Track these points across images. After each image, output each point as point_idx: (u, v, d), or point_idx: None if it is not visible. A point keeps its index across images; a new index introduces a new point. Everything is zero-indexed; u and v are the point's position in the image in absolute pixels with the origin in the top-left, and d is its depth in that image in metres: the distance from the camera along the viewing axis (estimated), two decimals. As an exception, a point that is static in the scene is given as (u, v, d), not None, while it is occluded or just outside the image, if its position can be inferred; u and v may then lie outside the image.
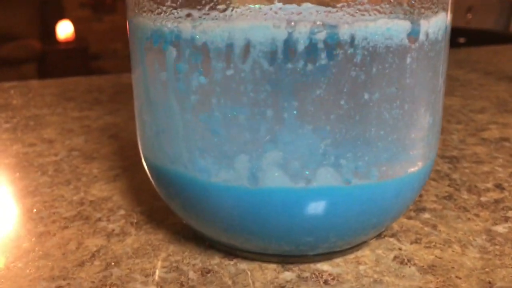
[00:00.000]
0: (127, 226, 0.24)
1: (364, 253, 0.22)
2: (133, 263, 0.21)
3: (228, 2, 0.17)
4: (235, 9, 0.17)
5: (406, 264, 0.21)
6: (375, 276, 0.20)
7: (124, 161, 0.32)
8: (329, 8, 0.17)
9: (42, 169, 0.31)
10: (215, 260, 0.21)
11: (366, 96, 0.18)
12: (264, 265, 0.21)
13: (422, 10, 0.19)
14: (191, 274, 0.20)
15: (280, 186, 0.18)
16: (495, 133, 0.39)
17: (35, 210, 0.26)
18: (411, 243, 0.22)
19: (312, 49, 0.17)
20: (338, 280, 0.20)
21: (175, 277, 0.20)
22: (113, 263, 0.21)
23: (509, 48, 0.86)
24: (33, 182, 0.29)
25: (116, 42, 2.74)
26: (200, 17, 0.18)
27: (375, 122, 0.18)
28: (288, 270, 0.20)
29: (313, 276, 0.20)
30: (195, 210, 0.20)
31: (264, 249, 0.20)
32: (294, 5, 0.17)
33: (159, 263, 0.21)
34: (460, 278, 0.20)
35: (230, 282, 0.20)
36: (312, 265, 0.21)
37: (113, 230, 0.24)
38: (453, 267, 0.21)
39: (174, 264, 0.21)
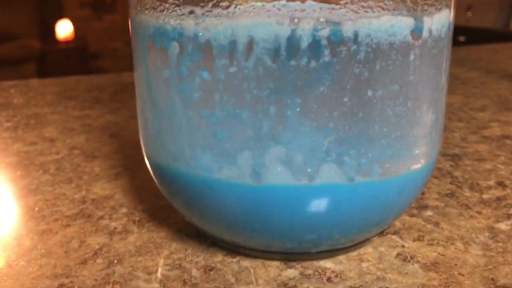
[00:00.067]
0: (129, 224, 0.24)
1: (367, 250, 0.22)
2: (136, 261, 0.21)
3: None
4: (238, 6, 0.17)
5: (409, 261, 0.21)
6: (378, 273, 0.20)
7: (126, 159, 0.32)
8: (333, 5, 0.17)
9: (44, 167, 0.31)
10: (218, 258, 0.21)
11: (369, 93, 0.18)
12: (267, 262, 0.21)
13: (426, 7, 0.18)
14: (194, 272, 0.20)
15: (283, 183, 0.18)
16: (496, 131, 0.39)
17: (37, 208, 0.26)
18: (414, 241, 0.22)
19: (315, 46, 0.17)
20: (341, 277, 0.20)
21: (178, 275, 0.20)
22: (115, 261, 0.21)
23: (510, 47, 0.86)
24: (35, 180, 0.29)
25: (116, 41, 2.73)
26: (203, 14, 0.17)
27: (378, 119, 0.18)
28: (291, 268, 0.20)
29: (316, 273, 0.20)
30: (198, 208, 0.20)
31: (267, 247, 0.20)
32: (297, 2, 0.17)
33: (162, 261, 0.21)
34: (463, 275, 0.20)
35: (233, 280, 0.20)
36: (315, 263, 0.21)
37: (115, 228, 0.23)
38: (456, 264, 0.21)
39: (177, 262, 0.21)
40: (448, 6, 0.20)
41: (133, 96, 0.23)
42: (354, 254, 0.21)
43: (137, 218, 0.24)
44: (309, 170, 0.18)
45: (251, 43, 0.17)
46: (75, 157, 0.33)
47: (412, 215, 0.25)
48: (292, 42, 0.17)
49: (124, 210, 0.25)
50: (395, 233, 0.23)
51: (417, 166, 0.20)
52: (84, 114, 0.43)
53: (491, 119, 0.42)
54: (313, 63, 0.17)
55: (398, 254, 0.21)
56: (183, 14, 0.18)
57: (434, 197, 0.27)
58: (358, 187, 0.18)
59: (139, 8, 0.20)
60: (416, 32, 0.18)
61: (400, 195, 0.20)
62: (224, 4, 0.17)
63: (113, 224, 0.24)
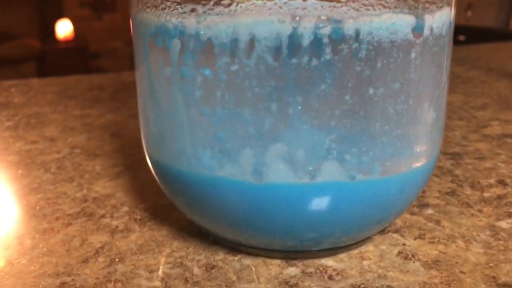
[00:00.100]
0: (131, 223, 0.24)
1: (368, 248, 0.22)
2: (138, 259, 0.21)
3: None
4: (239, 4, 0.17)
5: (410, 259, 0.21)
6: (380, 271, 0.20)
7: (127, 158, 0.32)
8: (334, 3, 0.17)
9: (45, 166, 0.31)
10: (220, 256, 0.21)
11: (370, 91, 0.18)
12: (268, 260, 0.21)
13: (427, 5, 0.19)
14: (196, 270, 0.20)
15: (284, 181, 0.18)
16: (497, 130, 0.39)
17: (38, 207, 0.26)
18: (415, 239, 0.23)
19: (316, 44, 0.17)
20: (342, 275, 0.20)
21: (179, 273, 0.20)
22: (117, 259, 0.21)
23: (510, 46, 0.86)
24: (36, 179, 0.29)
25: (116, 41, 2.73)
26: (204, 12, 0.17)
27: (380, 117, 0.18)
28: (292, 266, 0.20)
29: (318, 271, 0.20)
30: (199, 206, 0.20)
31: (268, 245, 0.20)
32: (299, 0, 0.17)
33: (164, 259, 0.21)
34: (464, 273, 0.20)
35: (234, 278, 0.20)
36: (316, 261, 0.21)
37: (117, 226, 0.24)
38: (457, 262, 0.21)
39: (179, 260, 0.21)
40: (449, 4, 0.20)
41: (133, 95, 0.23)
42: (355, 252, 0.21)
43: (139, 217, 0.24)
44: (311, 168, 0.18)
45: (252, 41, 0.17)
46: (76, 156, 0.33)
47: (413, 213, 0.25)
48: (294, 40, 0.17)
49: (126, 208, 0.25)
50: (396, 231, 0.23)
51: (418, 164, 0.20)
52: (85, 113, 0.43)
53: (491, 117, 0.42)
54: (315, 61, 0.17)
55: (399, 252, 0.21)
56: (184, 12, 0.18)
57: (435, 195, 0.27)
58: (360, 185, 0.18)
59: (140, 7, 0.20)
60: (417, 30, 0.18)
61: (402, 193, 0.20)
62: (226, 2, 0.17)
63: (114, 222, 0.24)
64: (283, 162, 0.18)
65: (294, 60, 0.17)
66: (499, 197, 0.27)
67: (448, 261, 0.21)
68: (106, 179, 0.29)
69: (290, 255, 0.21)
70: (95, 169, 0.31)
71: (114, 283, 0.19)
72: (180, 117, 0.19)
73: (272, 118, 0.18)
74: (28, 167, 0.31)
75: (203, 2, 0.18)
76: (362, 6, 0.17)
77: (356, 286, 0.19)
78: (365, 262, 0.21)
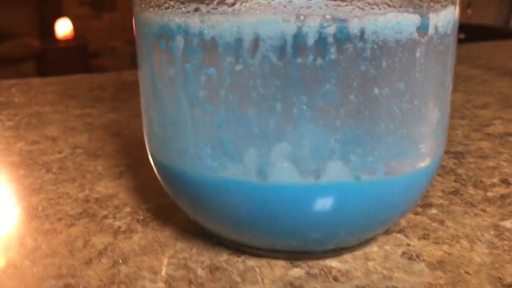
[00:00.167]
0: (133, 223, 0.24)
1: (373, 249, 0.22)
2: (141, 261, 0.21)
3: None
4: (243, 4, 0.17)
5: (415, 260, 0.21)
6: (385, 272, 0.20)
7: (128, 158, 0.32)
8: (339, 2, 0.17)
9: (47, 166, 0.31)
10: (223, 257, 0.21)
11: (375, 90, 0.17)
12: (273, 261, 0.21)
13: (431, 4, 0.18)
14: (200, 271, 0.20)
15: (289, 181, 0.18)
16: (499, 128, 0.39)
17: (40, 208, 0.26)
18: (419, 239, 0.22)
19: (321, 43, 0.17)
20: (347, 276, 0.20)
21: (183, 275, 0.20)
22: (120, 261, 0.21)
23: (511, 44, 0.86)
24: (38, 179, 0.29)
25: (115, 40, 2.73)
26: (208, 11, 0.17)
27: (385, 117, 0.18)
28: (296, 267, 0.20)
29: (322, 272, 0.20)
30: (203, 207, 0.20)
31: (272, 245, 0.20)
32: (303, 1, 0.17)
33: (167, 260, 0.21)
34: (469, 274, 0.20)
35: (239, 279, 0.19)
36: (320, 262, 0.21)
37: (120, 227, 0.23)
38: (462, 263, 0.20)
39: (182, 261, 0.21)
40: (453, 3, 0.20)
41: (134, 94, 0.22)
42: (359, 253, 0.21)
43: (141, 217, 0.24)
44: (316, 168, 0.18)
45: (257, 41, 0.17)
46: (78, 156, 0.33)
47: (416, 213, 0.25)
48: (298, 39, 0.17)
49: (128, 209, 0.25)
50: (400, 231, 0.23)
51: (423, 164, 0.20)
52: (86, 113, 0.43)
53: (494, 116, 0.42)
54: (319, 61, 0.17)
55: (403, 253, 0.21)
56: (188, 12, 0.18)
57: (438, 195, 0.27)
58: (365, 186, 0.18)
59: (143, 6, 0.19)
60: (422, 29, 0.18)
61: (406, 193, 0.20)
62: (230, 1, 0.17)
63: (117, 223, 0.24)
64: (288, 162, 0.18)
65: (298, 60, 0.17)
66: (503, 197, 0.27)
67: (453, 262, 0.21)
68: (108, 179, 0.29)
69: (294, 256, 0.21)
70: (97, 169, 0.30)
71: (118, 285, 0.19)
72: (183, 117, 0.19)
73: (276, 118, 0.17)
74: (29, 168, 0.31)
75: (207, 2, 0.17)
76: (367, 5, 0.17)
77: None
78: (370, 263, 0.21)
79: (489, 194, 0.27)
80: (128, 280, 0.19)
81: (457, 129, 0.39)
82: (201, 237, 0.22)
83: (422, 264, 0.20)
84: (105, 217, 0.24)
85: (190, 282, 0.19)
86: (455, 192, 0.27)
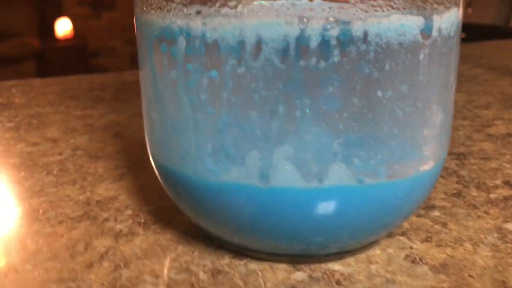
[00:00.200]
0: (135, 226, 0.24)
1: (375, 252, 0.21)
2: (143, 264, 0.21)
3: None
4: (246, 6, 0.17)
5: (418, 263, 0.21)
6: (388, 275, 0.20)
7: (129, 159, 0.32)
8: (342, 4, 0.17)
9: (47, 168, 0.31)
10: (225, 260, 0.21)
11: (379, 93, 0.17)
12: (275, 265, 0.20)
13: (435, 6, 0.18)
14: (202, 275, 0.20)
15: (292, 185, 0.18)
16: (501, 129, 0.39)
17: (41, 210, 0.25)
18: (422, 242, 0.22)
19: (324, 46, 0.17)
20: (350, 280, 0.20)
21: (185, 278, 0.20)
22: (122, 264, 0.21)
23: (512, 43, 0.86)
24: (39, 182, 0.29)
25: (115, 39, 2.73)
26: (210, 14, 0.17)
27: (388, 120, 0.18)
28: (299, 270, 0.20)
29: (325, 276, 0.20)
30: (204, 210, 0.20)
31: (275, 249, 0.20)
32: (306, 1, 0.17)
33: (169, 264, 0.21)
34: (473, 277, 0.20)
35: (241, 283, 0.19)
36: (323, 265, 0.20)
37: (121, 230, 0.23)
38: (465, 266, 0.20)
39: (184, 265, 0.21)
40: (457, 4, 0.19)
41: (134, 94, 0.22)
42: (362, 256, 0.21)
43: (143, 220, 0.24)
44: (318, 171, 0.18)
45: (259, 43, 0.17)
46: (79, 157, 0.33)
47: (419, 216, 0.25)
48: (301, 42, 0.17)
49: (129, 211, 0.25)
50: (403, 234, 0.23)
51: (426, 167, 0.20)
52: (86, 114, 0.43)
53: (495, 116, 0.42)
54: (322, 63, 0.17)
55: (406, 256, 0.21)
56: (190, 14, 0.18)
57: (441, 197, 0.27)
58: (368, 189, 0.18)
59: (144, 8, 0.19)
60: (426, 31, 0.18)
61: (410, 196, 0.20)
62: (232, 3, 0.17)
63: (118, 226, 0.24)
64: (291, 165, 0.18)
65: (301, 62, 0.17)
66: (506, 199, 0.26)
67: (456, 265, 0.20)
68: (109, 181, 0.29)
69: (296, 259, 0.21)
70: (98, 171, 0.30)
71: (119, 288, 0.19)
72: (185, 120, 0.19)
73: (279, 121, 0.17)
74: (30, 169, 0.31)
75: (209, 4, 0.17)
76: (370, 7, 0.17)
77: (364, 291, 0.19)
78: (373, 266, 0.20)
79: (492, 196, 0.27)
80: (130, 284, 0.19)
81: (459, 130, 0.38)
82: (203, 240, 0.22)
83: (425, 267, 0.20)
84: (106, 220, 0.24)
85: (192, 286, 0.19)
86: (458, 194, 0.27)
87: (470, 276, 0.20)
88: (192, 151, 0.19)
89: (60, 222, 0.24)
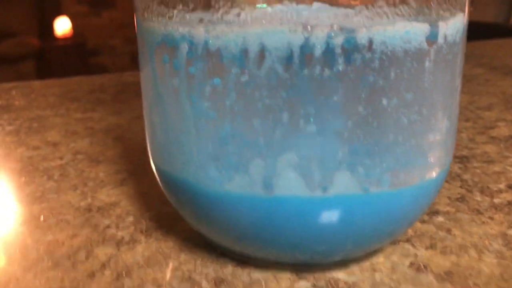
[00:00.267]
0: (136, 233, 0.23)
1: (379, 259, 0.21)
2: (145, 273, 0.20)
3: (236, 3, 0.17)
4: (249, 14, 0.17)
5: (423, 271, 0.20)
6: (392, 284, 0.20)
7: (131, 164, 0.32)
8: (347, 11, 0.17)
9: (48, 173, 0.31)
10: (228, 269, 0.21)
11: (384, 101, 0.17)
12: (278, 274, 0.20)
13: (441, 12, 0.18)
14: (204, 284, 0.20)
15: (296, 194, 0.18)
16: (504, 131, 0.38)
17: (42, 217, 0.25)
18: (426, 249, 0.22)
19: (329, 54, 0.16)
20: (354, 288, 0.19)
21: (188, 287, 0.19)
22: (124, 273, 0.20)
23: (513, 42, 0.85)
24: (39, 187, 0.29)
25: (115, 37, 2.72)
26: (213, 21, 0.17)
27: (393, 127, 0.18)
28: (302, 279, 0.20)
29: (329, 285, 0.20)
30: (206, 218, 0.20)
31: (278, 258, 0.20)
32: (310, 9, 0.17)
33: (171, 273, 0.20)
34: (478, 286, 0.19)
35: (244, 292, 0.19)
36: (327, 273, 0.20)
37: (123, 237, 0.23)
38: (470, 274, 0.20)
39: (187, 274, 0.20)
40: (462, 10, 0.19)
41: (135, 96, 0.22)
42: (366, 264, 0.21)
43: (144, 227, 0.24)
44: (323, 180, 0.17)
45: (262, 52, 0.16)
46: (79, 162, 0.32)
47: (423, 221, 0.24)
48: (305, 50, 0.16)
49: (131, 218, 0.25)
50: (407, 240, 0.23)
51: (432, 174, 0.19)
52: (87, 117, 0.43)
53: (498, 118, 0.42)
54: (327, 72, 0.16)
55: (411, 264, 0.21)
56: (192, 22, 0.17)
57: (444, 202, 0.27)
58: (373, 198, 0.18)
59: (146, 15, 0.19)
60: (431, 38, 0.18)
61: (415, 204, 0.20)
62: (235, 11, 0.17)
63: (120, 233, 0.23)
64: (295, 174, 0.17)
65: (305, 71, 0.16)
66: (510, 204, 0.26)
67: (461, 273, 0.20)
68: (110, 187, 0.28)
69: (300, 267, 0.20)
70: (99, 176, 0.30)
71: (122, 298, 0.19)
72: (187, 127, 0.19)
73: (283, 130, 0.17)
74: (31, 174, 0.31)
75: (212, 11, 0.17)
76: (375, 14, 0.17)
77: (369, 300, 0.19)
78: (377, 275, 0.20)
79: (496, 200, 0.27)
80: (132, 294, 0.19)
81: (461, 132, 0.38)
82: (205, 247, 0.22)
83: (430, 276, 0.20)
84: (108, 227, 0.24)
85: (195, 295, 0.19)
86: (462, 199, 0.27)
87: (475, 284, 0.20)
88: (194, 159, 0.19)
89: (62, 230, 0.24)
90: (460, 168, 0.31)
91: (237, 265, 0.21)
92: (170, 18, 0.18)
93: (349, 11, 0.17)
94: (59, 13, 2.58)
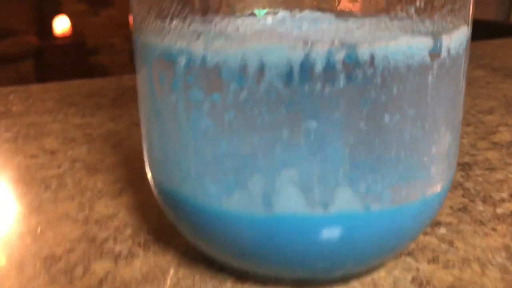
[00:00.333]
0: (134, 247, 0.23)
1: (381, 274, 0.21)
2: (143, 290, 0.20)
3: (233, 9, 0.17)
4: (248, 29, 0.16)
5: (425, 287, 0.20)
6: (394, 301, 0.19)
7: (129, 173, 0.31)
8: (348, 24, 0.16)
9: (45, 183, 0.30)
10: (227, 285, 0.20)
11: (386, 117, 0.17)
12: (279, 290, 0.20)
13: (444, 25, 0.18)
14: (204, 301, 0.19)
15: (296, 211, 0.17)
16: (506, 136, 0.38)
17: (39, 230, 0.25)
18: (429, 263, 0.22)
19: (330, 70, 0.16)
20: (356, 306, 0.19)
21: (187, 305, 0.19)
22: (122, 290, 0.20)
23: (513, 42, 0.85)
24: (37, 198, 0.28)
25: (114, 36, 2.71)
26: (212, 37, 0.17)
27: (395, 144, 0.17)
28: (303, 295, 0.20)
29: (330, 302, 0.19)
30: (204, 235, 0.20)
31: (278, 274, 0.20)
32: (310, 22, 0.16)
33: (170, 289, 0.20)
34: (482, 302, 0.19)
35: (244, 311, 0.19)
36: (328, 289, 0.20)
37: (121, 252, 0.23)
38: (474, 290, 0.20)
39: (186, 290, 0.20)
40: (466, 22, 0.19)
41: (134, 100, 0.22)
42: (367, 279, 0.21)
43: (142, 240, 0.24)
44: (324, 198, 0.17)
45: (262, 68, 0.16)
46: (77, 171, 0.32)
47: (425, 233, 0.24)
48: (306, 66, 0.16)
49: (129, 231, 0.25)
50: (409, 254, 0.22)
51: (434, 189, 0.19)
52: (85, 122, 0.42)
53: (499, 122, 0.41)
54: (328, 88, 0.16)
55: (413, 279, 0.21)
56: (190, 37, 0.17)
57: (446, 212, 0.26)
58: (375, 215, 0.18)
59: (143, 28, 0.19)
60: (435, 52, 0.17)
61: (417, 220, 0.19)
62: (234, 26, 0.16)
63: (118, 247, 0.23)
64: (295, 192, 0.17)
65: (306, 87, 0.16)
66: (513, 214, 0.26)
67: (464, 288, 0.20)
68: (108, 197, 0.28)
69: (300, 283, 0.20)
70: (97, 185, 0.30)
71: (119, 317, 0.19)
72: (185, 143, 0.18)
73: (282, 147, 0.17)
74: (28, 184, 0.30)
75: (210, 26, 0.17)
76: (377, 29, 0.16)
77: (371, 319, 0.18)
78: (379, 291, 0.20)
79: (499, 210, 0.26)
80: (130, 312, 0.19)
81: (463, 137, 0.38)
82: (204, 262, 0.22)
83: (433, 292, 0.20)
84: (106, 240, 0.24)
85: (194, 314, 0.19)
86: (464, 209, 0.27)
87: (479, 301, 0.19)
88: (192, 175, 0.18)
89: (59, 244, 0.24)
90: (462, 176, 0.31)
91: (236, 280, 0.21)
92: (168, 32, 0.18)
93: (351, 25, 0.17)
94: (58, 12, 2.57)
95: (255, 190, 0.17)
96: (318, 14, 0.18)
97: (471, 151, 0.35)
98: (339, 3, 0.18)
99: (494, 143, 0.37)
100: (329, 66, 0.16)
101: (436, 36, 0.17)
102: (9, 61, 2.22)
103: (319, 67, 0.16)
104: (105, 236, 0.24)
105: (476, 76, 0.58)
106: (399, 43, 0.16)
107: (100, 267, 0.22)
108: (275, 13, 0.17)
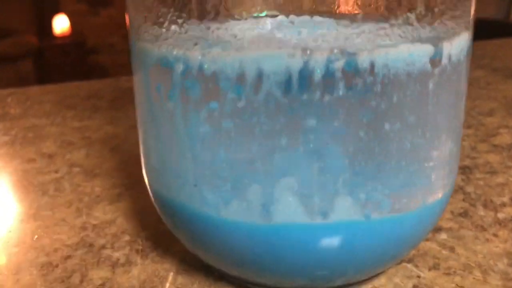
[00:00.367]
0: (132, 254, 0.23)
1: (381, 282, 0.21)
2: (141, 299, 0.20)
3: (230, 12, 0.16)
4: (246, 37, 0.16)
5: (426, 294, 0.20)
6: (395, 309, 0.19)
7: (127, 177, 0.31)
8: (348, 30, 0.16)
9: (43, 188, 0.30)
10: (226, 294, 0.20)
11: (386, 126, 0.17)
12: (278, 299, 0.20)
13: (445, 31, 0.17)
14: (202, 310, 0.19)
15: (295, 221, 0.17)
16: (506, 139, 0.38)
17: (36, 236, 0.25)
18: (430, 269, 0.22)
19: (329, 78, 0.16)
20: (356, 315, 0.19)
21: (185, 315, 0.19)
22: (119, 299, 0.20)
23: (514, 42, 0.85)
24: (34, 203, 0.28)
25: (113, 36, 2.71)
26: (209, 44, 0.16)
27: (396, 152, 0.17)
28: (303, 304, 0.19)
29: (330, 311, 0.19)
30: (203, 243, 0.19)
31: (277, 283, 0.19)
32: (309, 32, 0.16)
33: (168, 298, 0.20)
34: (484, 311, 0.19)
35: (243, 320, 0.19)
36: (328, 298, 0.20)
37: (118, 259, 0.23)
38: (475, 298, 0.20)
39: (184, 299, 0.20)
40: (467, 28, 0.19)
41: (132, 102, 0.21)
42: (368, 287, 0.20)
43: (140, 247, 0.23)
44: (323, 207, 0.17)
45: (260, 76, 0.16)
46: (75, 175, 0.32)
47: (426, 239, 0.24)
48: (305, 74, 0.16)
49: (127, 237, 0.24)
50: (409, 261, 0.22)
51: (435, 197, 0.19)
52: (83, 125, 0.42)
53: (500, 124, 0.41)
54: (327, 97, 0.16)
55: (414, 286, 0.20)
56: (188, 44, 0.17)
57: (447, 217, 0.26)
58: (375, 223, 0.17)
59: (140, 36, 0.18)
60: (435, 59, 0.17)
61: (418, 228, 0.19)
62: (232, 34, 0.16)
63: (115, 254, 0.23)
64: (294, 201, 0.17)
65: (305, 95, 0.16)
66: (514, 219, 0.26)
67: (466, 297, 0.20)
68: (106, 203, 0.28)
69: (300, 292, 0.20)
70: (95, 191, 0.29)
71: (117, 327, 0.18)
72: (183, 151, 0.18)
73: (281, 155, 0.16)
74: (25, 190, 0.30)
75: (208, 34, 0.16)
76: (377, 36, 0.16)
77: (371, 328, 0.18)
78: (379, 299, 0.20)
79: (500, 215, 0.26)
80: (128, 322, 0.19)
81: (463, 140, 0.38)
82: (202, 270, 0.22)
83: (434, 300, 0.20)
84: (103, 247, 0.24)
85: (192, 324, 0.18)
86: (465, 214, 0.26)
87: (480, 309, 0.19)
88: (190, 183, 0.18)
89: (56, 250, 0.23)
90: (462, 179, 0.31)
91: (235, 289, 0.20)
92: (165, 39, 0.17)
93: (350, 32, 0.17)
94: (57, 11, 2.57)
95: (253, 199, 0.17)
96: (317, 19, 0.18)
97: (472, 154, 0.35)
98: (338, 7, 0.18)
99: (495, 146, 0.36)
100: (329, 74, 0.16)
101: (436, 43, 0.17)
102: (9, 61, 2.22)
103: (318, 75, 0.16)
104: (103, 242, 0.24)
105: (476, 77, 0.58)
106: (400, 50, 0.16)
107: (97, 275, 0.21)
108: (273, 18, 0.17)
